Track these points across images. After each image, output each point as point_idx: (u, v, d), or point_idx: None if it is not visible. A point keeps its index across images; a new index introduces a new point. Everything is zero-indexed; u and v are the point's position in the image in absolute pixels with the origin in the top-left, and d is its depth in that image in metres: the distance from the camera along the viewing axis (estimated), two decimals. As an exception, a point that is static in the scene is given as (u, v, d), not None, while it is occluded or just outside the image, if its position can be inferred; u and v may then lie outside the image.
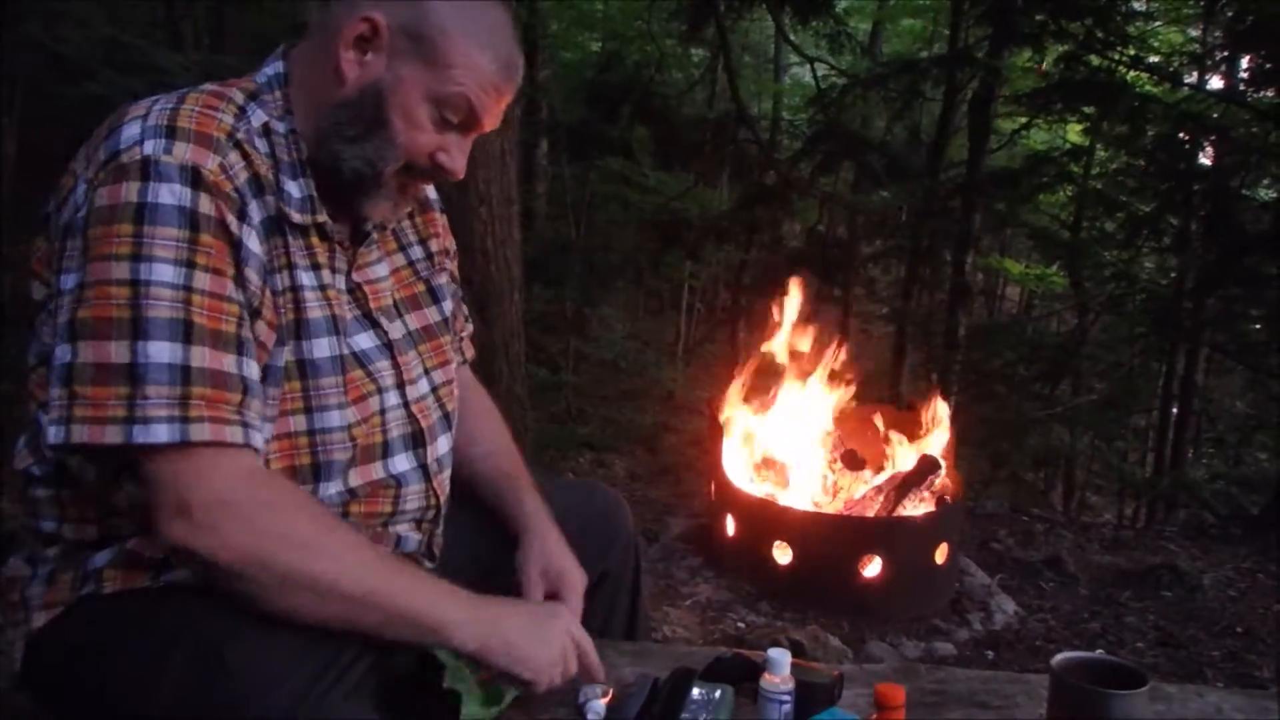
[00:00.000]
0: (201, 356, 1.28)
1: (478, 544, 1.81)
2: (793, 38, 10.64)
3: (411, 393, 1.62)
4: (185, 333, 1.27)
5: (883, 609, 4.09)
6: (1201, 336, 9.92)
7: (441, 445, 1.69)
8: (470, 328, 1.94)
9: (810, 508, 4.29)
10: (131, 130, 1.31)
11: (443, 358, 1.73)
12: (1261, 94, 8.04)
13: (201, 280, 1.29)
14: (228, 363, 1.31)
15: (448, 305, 1.78)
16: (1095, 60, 8.20)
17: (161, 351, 1.26)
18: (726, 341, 14.37)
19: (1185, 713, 1.88)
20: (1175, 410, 11.17)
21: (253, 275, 1.37)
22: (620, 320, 15.35)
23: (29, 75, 6.73)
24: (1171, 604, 4.54)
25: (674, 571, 4.39)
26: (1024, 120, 10.80)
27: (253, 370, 1.36)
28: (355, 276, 1.57)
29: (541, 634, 1.48)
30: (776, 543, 4.14)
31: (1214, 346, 10.41)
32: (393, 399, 1.58)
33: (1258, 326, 9.51)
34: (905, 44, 15.59)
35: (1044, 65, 9.07)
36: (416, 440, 1.62)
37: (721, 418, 4.59)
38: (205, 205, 1.30)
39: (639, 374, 13.91)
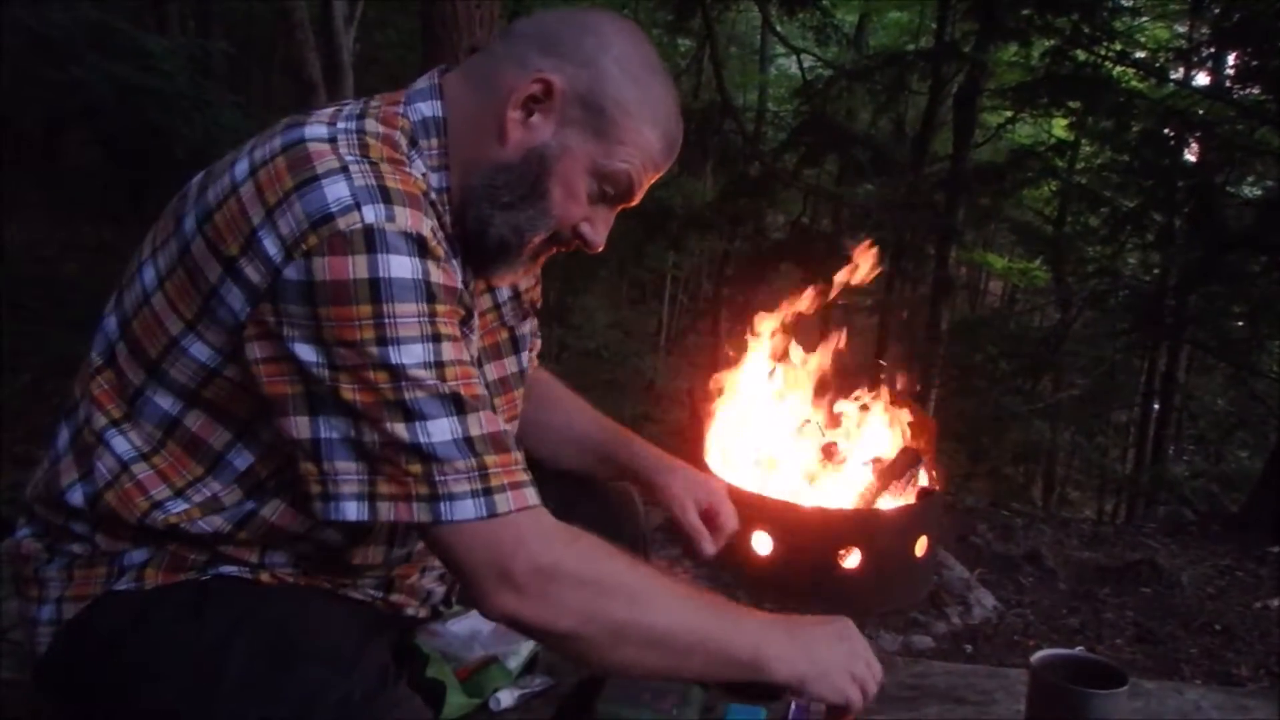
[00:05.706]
0: (477, 424, 1.21)
1: None
2: (779, 29, 10.66)
3: None
4: (456, 407, 1.20)
5: (861, 601, 4.04)
6: (1184, 333, 9.94)
7: None
8: (539, 344, 1.82)
9: (790, 498, 4.26)
10: (339, 190, 1.17)
11: (513, 412, 1.63)
12: (1247, 91, 8.05)
13: (448, 351, 1.21)
14: (498, 421, 1.25)
15: (526, 357, 1.66)
16: (1081, 55, 8.21)
17: (442, 429, 1.19)
18: (708, 332, 14.39)
19: (1164, 710, 1.86)
20: (1156, 407, 11.23)
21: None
22: (602, 310, 15.36)
23: (14, 57, 6.63)
24: (1150, 600, 4.53)
25: (652, 561, 4.36)
26: (1009, 114, 10.82)
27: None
28: None
29: (848, 661, 1.41)
30: (755, 533, 4.10)
31: (1196, 343, 10.44)
32: None
33: (1240, 324, 9.55)
34: (892, 37, 15.63)
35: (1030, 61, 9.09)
36: None
37: (702, 407, 4.54)
38: (434, 273, 1.20)
39: (620, 363, 13.92)
